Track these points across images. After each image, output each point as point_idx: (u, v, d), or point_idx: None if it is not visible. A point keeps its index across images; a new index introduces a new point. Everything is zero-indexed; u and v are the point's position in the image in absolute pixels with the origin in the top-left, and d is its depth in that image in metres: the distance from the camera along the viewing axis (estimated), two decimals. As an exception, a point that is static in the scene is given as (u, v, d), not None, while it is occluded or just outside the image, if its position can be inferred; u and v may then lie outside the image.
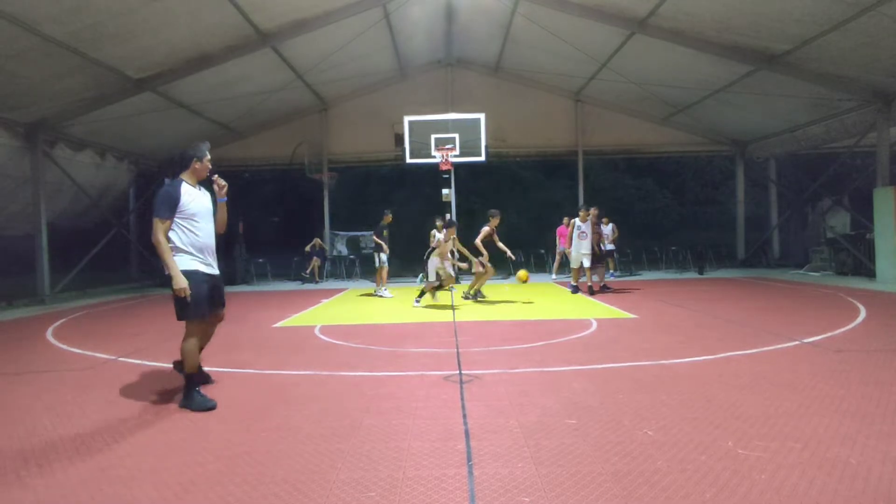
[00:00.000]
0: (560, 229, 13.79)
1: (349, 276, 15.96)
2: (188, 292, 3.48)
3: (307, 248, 15.05)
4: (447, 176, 13.05)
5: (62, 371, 4.84)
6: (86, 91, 10.44)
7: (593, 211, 10.44)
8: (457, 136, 12.79)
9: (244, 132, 16.14)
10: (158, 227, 3.51)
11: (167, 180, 3.78)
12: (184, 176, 3.75)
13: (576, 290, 10.27)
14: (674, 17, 10.30)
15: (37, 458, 2.80)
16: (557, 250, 13.93)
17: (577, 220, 10.22)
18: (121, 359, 5.26)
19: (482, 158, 13.07)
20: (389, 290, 11.00)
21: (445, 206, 13.26)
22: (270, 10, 10.25)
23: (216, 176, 3.91)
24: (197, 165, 3.77)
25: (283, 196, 23.75)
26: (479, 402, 3.57)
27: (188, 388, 3.63)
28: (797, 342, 5.16)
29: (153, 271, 15.71)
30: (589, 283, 10.10)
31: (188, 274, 3.54)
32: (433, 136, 12.80)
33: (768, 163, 16.77)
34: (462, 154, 12.84)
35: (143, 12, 8.55)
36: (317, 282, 14.75)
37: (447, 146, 12.72)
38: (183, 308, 3.57)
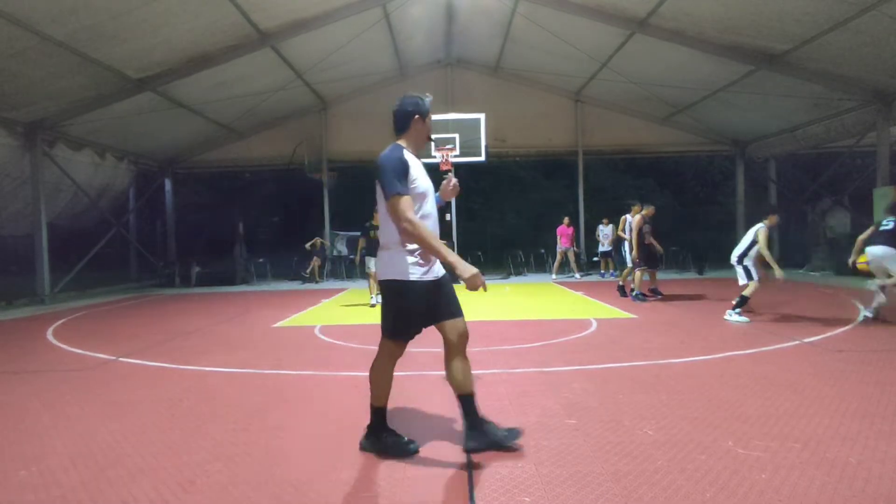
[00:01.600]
0: (560, 229, 13.80)
1: (349, 276, 15.96)
2: (484, 284, 2.60)
3: (307, 246, 15.05)
4: (447, 176, 13.04)
5: (62, 371, 4.84)
6: (85, 91, 10.43)
7: (646, 210, 8.89)
8: (457, 136, 12.79)
9: (244, 132, 16.13)
10: (403, 204, 2.48)
11: (388, 149, 2.67)
12: (401, 142, 2.73)
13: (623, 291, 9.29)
14: (674, 16, 10.30)
15: (36, 458, 2.80)
16: (558, 250, 13.94)
17: (627, 217, 9.50)
18: (121, 359, 5.25)
19: (482, 158, 13.08)
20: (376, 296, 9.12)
21: (446, 207, 13.29)
22: (270, 10, 10.24)
23: (451, 173, 3.10)
24: (419, 126, 2.74)
25: (283, 196, 23.72)
26: (480, 402, 3.56)
27: (471, 413, 2.71)
28: (797, 342, 5.16)
29: (156, 270, 15.72)
30: (624, 283, 9.25)
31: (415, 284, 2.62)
32: (433, 136, 12.79)
33: (768, 163, 16.76)
34: (462, 154, 12.83)
35: (143, 12, 8.55)
36: (317, 282, 14.75)
37: (447, 146, 12.71)
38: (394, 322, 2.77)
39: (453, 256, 2.52)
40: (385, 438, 2.73)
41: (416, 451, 2.69)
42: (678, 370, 4.28)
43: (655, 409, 3.29)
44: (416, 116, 2.70)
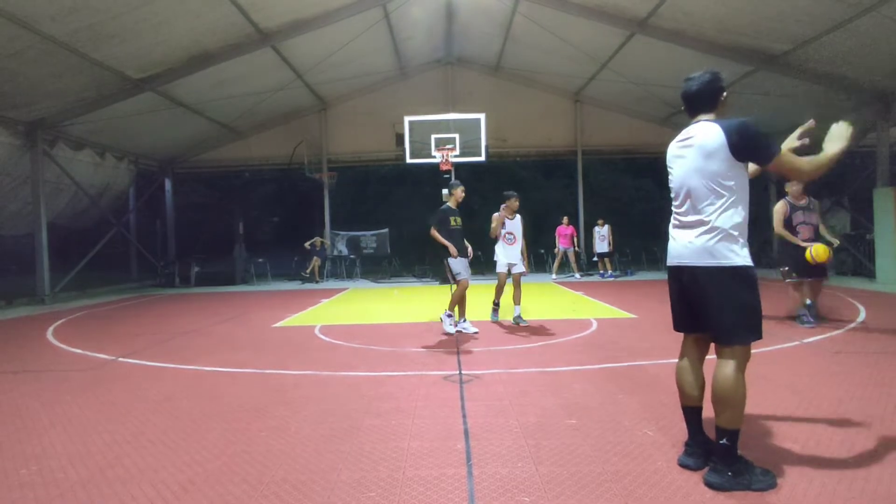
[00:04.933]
0: (560, 229, 13.80)
1: (349, 275, 15.95)
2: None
3: (307, 245, 15.05)
4: (447, 176, 13.05)
5: (62, 371, 4.84)
6: (85, 90, 10.44)
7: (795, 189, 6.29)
8: (457, 136, 12.80)
9: (244, 132, 16.14)
10: (792, 159, 2.36)
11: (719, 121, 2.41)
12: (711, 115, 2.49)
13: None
14: (674, 17, 10.31)
15: (36, 457, 2.80)
16: (557, 250, 13.95)
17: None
18: (120, 359, 5.25)
19: (482, 158, 13.08)
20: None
21: (445, 206, 13.26)
22: (270, 10, 10.24)
23: None
24: (722, 98, 2.54)
25: (283, 196, 23.74)
26: (479, 402, 3.57)
27: (734, 454, 2.31)
28: (797, 342, 5.16)
29: (156, 270, 15.71)
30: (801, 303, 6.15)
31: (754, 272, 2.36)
32: (433, 136, 12.81)
33: (767, 163, 16.76)
34: (462, 154, 12.84)
35: (143, 12, 8.55)
36: (317, 281, 14.75)
37: (447, 146, 12.72)
38: (755, 321, 2.34)
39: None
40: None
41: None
42: (678, 370, 4.28)
43: (655, 410, 3.29)
44: (723, 92, 2.54)
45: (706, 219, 2.36)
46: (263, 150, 16.46)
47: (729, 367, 2.31)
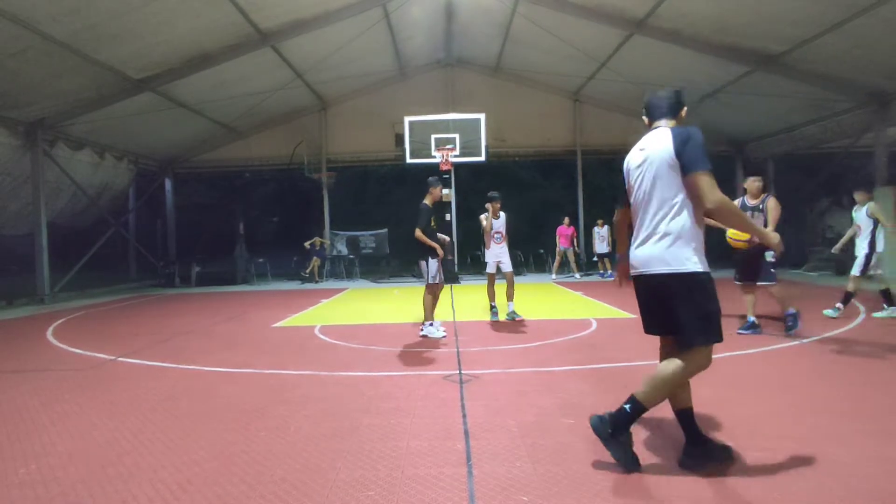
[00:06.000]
0: (560, 229, 13.82)
1: (349, 275, 15.96)
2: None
3: (307, 245, 15.06)
4: (447, 176, 13.06)
5: (61, 370, 4.85)
6: (86, 90, 10.44)
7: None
8: (457, 136, 12.82)
9: (244, 132, 16.15)
10: (713, 184, 2.31)
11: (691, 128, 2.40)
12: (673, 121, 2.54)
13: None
14: (671, 18, 10.32)
15: (36, 456, 2.81)
16: (557, 250, 13.96)
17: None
18: (120, 358, 5.26)
19: (482, 158, 13.10)
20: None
21: (445, 207, 13.29)
22: (270, 10, 10.25)
23: None
24: (682, 112, 2.60)
25: (283, 196, 23.75)
26: (478, 401, 3.58)
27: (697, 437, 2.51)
28: (796, 342, 5.17)
29: (156, 270, 15.72)
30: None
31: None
32: (433, 136, 12.83)
33: (766, 163, 16.79)
34: (462, 154, 12.86)
35: (143, 12, 8.56)
36: (317, 281, 14.76)
37: (447, 146, 12.73)
38: (712, 322, 2.38)
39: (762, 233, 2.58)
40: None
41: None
42: (676, 370, 4.29)
43: (653, 409, 3.28)
44: (685, 109, 2.61)
45: (659, 225, 2.42)
46: (263, 150, 16.47)
47: (678, 362, 2.39)
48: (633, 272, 2.60)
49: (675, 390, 2.49)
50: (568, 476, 2.43)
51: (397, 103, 15.38)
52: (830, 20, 8.68)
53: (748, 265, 5.60)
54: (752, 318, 5.70)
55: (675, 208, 2.39)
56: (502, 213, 7.13)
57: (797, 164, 16.48)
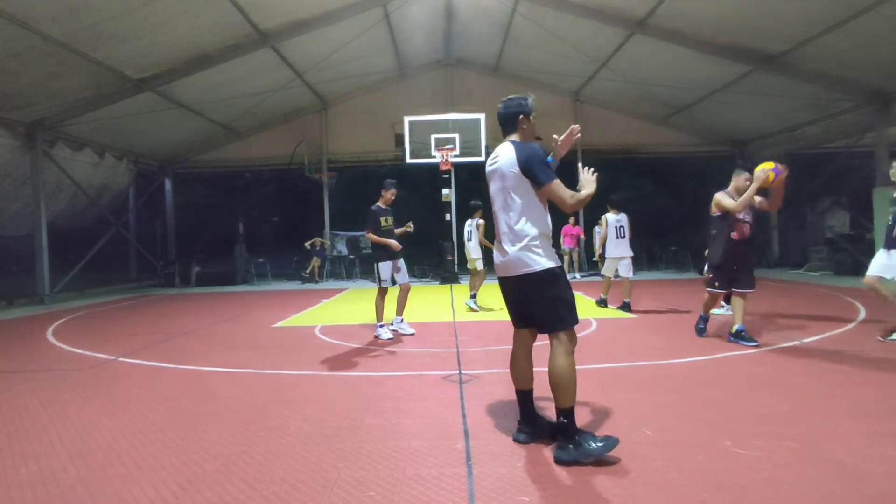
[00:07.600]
0: (566, 228, 13.81)
1: (349, 276, 15.96)
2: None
3: (307, 245, 15.06)
4: (447, 176, 13.06)
5: (62, 370, 4.85)
6: (85, 91, 10.45)
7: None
8: (457, 136, 12.81)
9: (244, 132, 16.15)
10: (563, 188, 2.68)
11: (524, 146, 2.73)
12: (515, 138, 2.84)
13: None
14: (672, 17, 10.33)
15: (36, 456, 2.81)
16: (562, 249, 13.92)
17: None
18: (120, 358, 5.26)
19: (482, 158, 13.08)
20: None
21: (445, 207, 13.29)
22: (270, 10, 10.26)
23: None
24: (524, 126, 2.86)
25: (283, 196, 23.79)
26: (478, 401, 3.58)
27: (573, 429, 2.63)
28: (796, 342, 5.17)
29: (156, 270, 15.73)
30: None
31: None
32: (433, 136, 12.82)
33: (767, 163, 16.80)
34: (462, 154, 12.86)
35: (143, 12, 8.57)
36: (317, 282, 14.76)
37: (447, 146, 12.73)
38: (568, 311, 2.68)
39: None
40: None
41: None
42: (677, 370, 4.29)
43: (654, 409, 3.30)
44: (521, 117, 2.82)
45: (513, 230, 2.72)
46: (263, 151, 16.47)
47: (559, 354, 2.62)
48: (497, 274, 2.86)
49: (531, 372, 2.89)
50: (569, 477, 2.42)
51: (397, 103, 15.38)
52: (831, 19, 8.68)
53: (731, 271, 5.21)
54: (740, 326, 5.17)
55: (522, 215, 2.69)
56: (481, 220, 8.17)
57: (797, 163, 16.48)
